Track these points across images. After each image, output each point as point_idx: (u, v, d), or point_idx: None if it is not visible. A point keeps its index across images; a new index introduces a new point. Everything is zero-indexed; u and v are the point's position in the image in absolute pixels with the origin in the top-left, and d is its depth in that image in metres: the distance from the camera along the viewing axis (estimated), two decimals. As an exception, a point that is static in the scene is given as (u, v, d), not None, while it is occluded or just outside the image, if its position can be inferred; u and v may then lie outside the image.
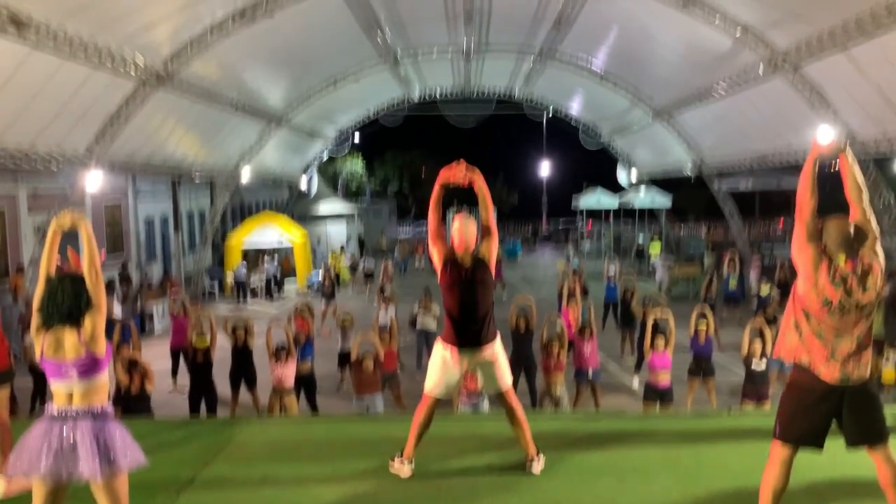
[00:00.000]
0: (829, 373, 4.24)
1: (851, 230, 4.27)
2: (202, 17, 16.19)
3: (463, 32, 23.38)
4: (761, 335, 10.42)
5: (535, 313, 12.63)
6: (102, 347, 4.26)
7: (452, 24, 22.47)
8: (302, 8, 17.36)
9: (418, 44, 25.38)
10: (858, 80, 15.25)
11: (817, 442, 4.35)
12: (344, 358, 13.99)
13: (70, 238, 4.54)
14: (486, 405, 9.55)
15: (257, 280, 27.10)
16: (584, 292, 17.36)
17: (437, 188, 5.76)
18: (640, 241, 35.61)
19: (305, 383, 11.50)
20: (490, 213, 5.79)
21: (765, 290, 18.39)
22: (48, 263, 4.41)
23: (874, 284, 4.20)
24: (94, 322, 4.24)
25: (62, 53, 13.28)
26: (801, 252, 4.32)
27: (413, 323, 16.04)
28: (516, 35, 23.98)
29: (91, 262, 4.34)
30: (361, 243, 39.88)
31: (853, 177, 4.44)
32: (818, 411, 4.30)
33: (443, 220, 5.82)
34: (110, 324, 10.04)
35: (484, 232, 5.77)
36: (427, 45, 25.60)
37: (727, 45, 17.61)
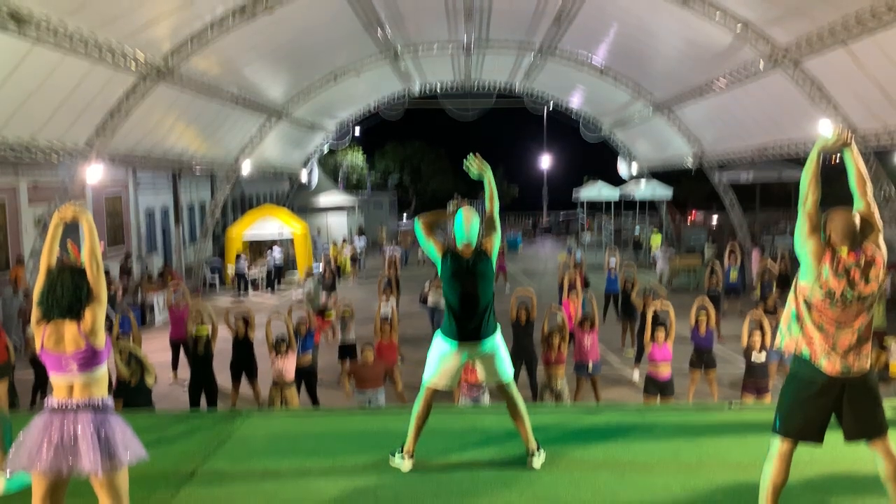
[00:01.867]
0: (829, 365, 4.23)
1: (857, 222, 4.26)
2: (202, 12, 16.19)
3: (463, 28, 23.36)
4: (761, 327, 10.42)
5: (535, 305, 12.62)
6: (102, 340, 4.26)
7: (453, 19, 22.47)
8: (302, 3, 17.35)
9: (419, 39, 25.37)
10: (858, 75, 15.26)
11: (817, 436, 4.34)
12: (344, 350, 13.99)
13: (71, 231, 4.53)
14: (486, 398, 9.55)
15: (258, 272, 27.11)
16: (586, 284, 17.34)
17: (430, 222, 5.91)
18: (637, 233, 35.60)
19: (306, 376, 11.48)
20: (495, 207, 5.82)
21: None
22: (49, 256, 4.40)
23: (876, 276, 4.20)
24: (95, 314, 4.22)
25: (63, 49, 13.27)
26: (804, 244, 4.31)
27: (424, 300, 16.64)
28: (517, 31, 23.98)
29: (92, 253, 4.33)
30: (362, 234, 39.89)
31: (858, 168, 4.42)
32: (818, 405, 4.30)
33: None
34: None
35: (487, 224, 5.78)
36: (427, 40, 25.58)
37: (727, 41, 17.60)
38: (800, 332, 4.34)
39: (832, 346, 4.23)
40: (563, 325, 11.83)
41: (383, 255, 29.72)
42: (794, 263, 4.45)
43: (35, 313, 4.27)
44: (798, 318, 4.36)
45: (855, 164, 4.42)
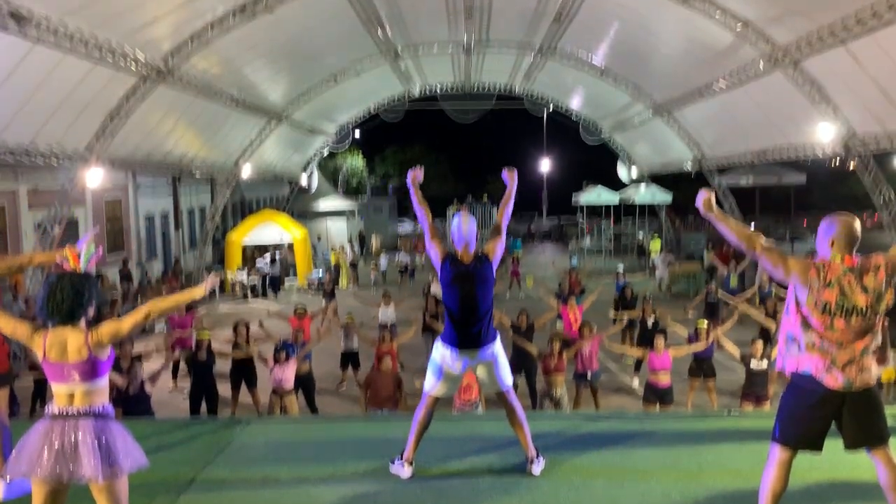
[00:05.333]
0: (831, 379, 4.21)
1: (858, 228, 4.24)
2: (203, 12, 16.19)
3: (463, 28, 23.37)
4: (761, 334, 10.44)
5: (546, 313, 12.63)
6: (107, 353, 4.25)
7: (453, 19, 22.47)
8: (302, 3, 17.35)
9: (419, 39, 25.37)
10: (859, 76, 15.25)
11: (816, 445, 4.33)
12: (346, 357, 13.98)
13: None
14: (479, 412, 9.52)
15: (256, 277, 27.16)
16: (581, 291, 17.39)
17: (412, 190, 5.89)
18: (640, 237, 35.55)
19: (304, 383, 11.46)
20: (504, 214, 5.80)
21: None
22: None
23: (875, 288, 4.16)
24: (112, 335, 4.21)
25: (63, 49, 13.28)
26: (787, 275, 4.31)
27: (426, 295, 16.79)
28: (517, 31, 23.98)
29: (154, 311, 4.38)
30: (362, 240, 39.84)
31: None
32: (818, 414, 4.28)
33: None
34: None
35: (494, 229, 5.76)
36: (428, 40, 25.59)
37: (727, 41, 17.60)
38: (799, 351, 4.33)
39: (832, 361, 4.21)
40: (562, 332, 11.86)
41: (377, 265, 29.47)
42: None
43: (25, 328, 4.22)
44: (795, 338, 4.35)
45: None
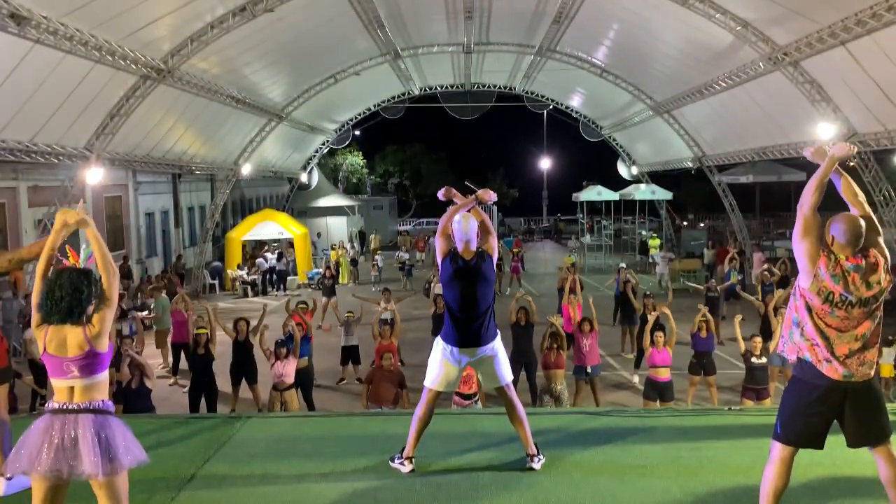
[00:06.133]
0: (831, 370, 4.20)
1: (864, 227, 4.22)
2: (203, 12, 16.19)
3: (463, 28, 23.38)
4: (761, 330, 10.43)
5: (535, 310, 12.62)
6: (105, 344, 4.22)
7: (453, 20, 22.48)
8: (302, 3, 17.35)
9: (419, 40, 25.39)
10: (858, 75, 15.26)
11: (817, 442, 4.32)
12: (347, 352, 13.99)
13: (71, 234, 4.51)
14: (478, 408, 9.51)
15: (257, 275, 27.15)
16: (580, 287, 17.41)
17: (477, 207, 5.90)
18: (643, 234, 35.52)
19: (301, 379, 11.45)
20: (483, 217, 5.83)
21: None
22: (47, 260, 4.36)
23: (878, 281, 4.16)
24: (103, 318, 4.18)
25: (63, 49, 13.27)
26: (798, 245, 4.29)
27: (427, 291, 17.04)
28: (517, 31, 24.01)
29: (104, 259, 4.32)
30: (362, 237, 39.79)
31: (848, 179, 4.46)
32: (819, 411, 4.26)
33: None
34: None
35: (482, 229, 5.78)
36: (428, 41, 25.59)
37: (727, 41, 17.60)
38: (801, 338, 4.32)
39: (833, 351, 4.20)
40: (562, 328, 11.86)
41: (375, 263, 29.37)
42: (795, 266, 4.42)
43: (35, 317, 4.24)
44: (799, 322, 4.33)
45: (845, 177, 4.44)
